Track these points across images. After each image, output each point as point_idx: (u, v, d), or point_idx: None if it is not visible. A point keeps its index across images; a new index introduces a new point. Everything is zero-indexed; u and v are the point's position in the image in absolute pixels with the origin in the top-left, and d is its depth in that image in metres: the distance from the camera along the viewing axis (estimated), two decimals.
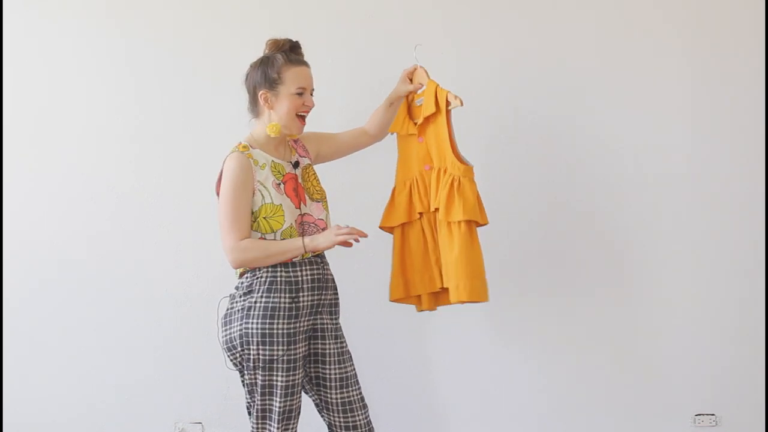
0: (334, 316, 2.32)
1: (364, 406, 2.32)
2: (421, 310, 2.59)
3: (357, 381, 2.32)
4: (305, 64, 2.28)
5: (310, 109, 2.28)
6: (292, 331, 2.19)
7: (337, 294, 2.35)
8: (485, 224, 2.45)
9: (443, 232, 2.41)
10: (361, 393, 2.32)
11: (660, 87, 2.93)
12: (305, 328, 2.24)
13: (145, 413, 2.93)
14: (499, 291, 2.93)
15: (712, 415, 2.95)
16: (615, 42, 2.94)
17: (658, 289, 2.94)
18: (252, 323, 2.18)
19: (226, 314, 2.24)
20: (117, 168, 2.94)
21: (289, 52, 2.26)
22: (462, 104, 2.37)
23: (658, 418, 2.95)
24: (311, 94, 2.28)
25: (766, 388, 2.94)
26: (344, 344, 2.33)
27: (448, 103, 2.42)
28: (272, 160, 2.24)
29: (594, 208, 2.94)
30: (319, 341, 2.29)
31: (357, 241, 2.18)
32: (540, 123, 2.93)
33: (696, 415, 2.95)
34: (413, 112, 2.54)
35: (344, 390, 2.28)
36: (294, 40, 2.28)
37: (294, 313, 2.19)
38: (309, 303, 2.23)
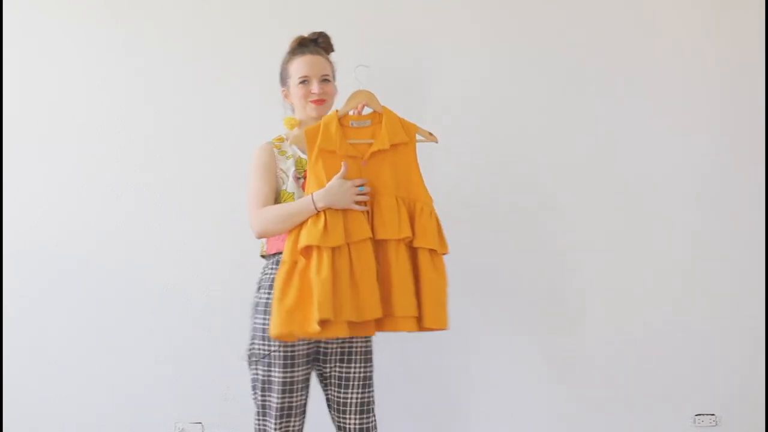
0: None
1: (362, 411, 2.31)
2: (326, 336, 2.20)
3: (360, 384, 2.32)
4: (310, 53, 2.37)
5: (320, 95, 2.36)
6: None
7: None
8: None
9: (426, 261, 2.26)
10: (360, 398, 2.32)
11: (660, 87, 2.94)
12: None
13: (145, 413, 2.93)
14: (496, 290, 2.94)
15: (712, 415, 2.95)
16: (615, 42, 2.94)
17: (657, 288, 2.94)
18: (256, 319, 2.27)
19: None
20: (118, 169, 2.94)
21: (296, 47, 2.39)
22: (437, 141, 2.37)
23: (658, 418, 2.95)
24: (322, 81, 2.37)
25: (766, 388, 2.95)
26: (353, 346, 2.33)
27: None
28: (299, 156, 2.37)
29: (593, 207, 2.94)
30: (322, 342, 2.31)
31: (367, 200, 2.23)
32: (537, 124, 2.94)
33: (696, 415, 2.96)
34: (346, 132, 2.32)
35: (343, 390, 2.32)
36: (316, 32, 2.41)
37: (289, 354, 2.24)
38: None
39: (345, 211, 2.22)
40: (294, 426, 2.26)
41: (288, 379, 2.23)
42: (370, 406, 2.33)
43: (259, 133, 2.90)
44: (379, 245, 2.24)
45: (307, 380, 2.28)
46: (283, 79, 2.42)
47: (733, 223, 2.94)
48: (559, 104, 2.94)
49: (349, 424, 2.31)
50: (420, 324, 2.22)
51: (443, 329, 2.22)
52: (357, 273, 2.19)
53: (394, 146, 2.31)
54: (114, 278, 2.93)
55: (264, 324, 2.23)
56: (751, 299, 2.95)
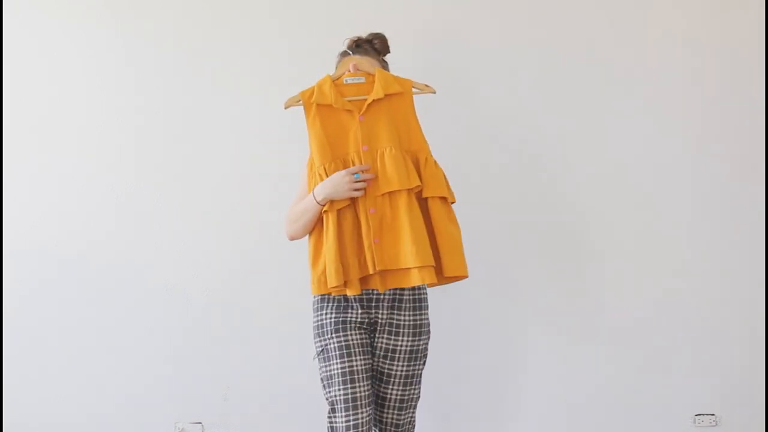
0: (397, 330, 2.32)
1: (399, 407, 2.34)
2: (341, 294, 2.33)
3: (399, 381, 2.33)
4: (359, 53, 2.38)
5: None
6: (341, 318, 2.29)
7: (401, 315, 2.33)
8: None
9: (439, 210, 2.28)
10: (399, 394, 2.34)
11: (660, 87, 2.93)
12: (358, 318, 2.30)
13: (145, 413, 2.93)
14: (496, 291, 2.93)
15: (712, 415, 2.95)
16: (615, 42, 2.94)
17: (657, 288, 2.94)
18: (313, 317, 2.36)
19: None
20: (118, 168, 2.94)
21: (349, 48, 2.41)
22: (434, 91, 2.36)
23: (658, 418, 2.95)
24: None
25: (766, 388, 2.95)
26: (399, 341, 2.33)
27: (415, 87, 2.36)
28: None
29: (594, 207, 2.94)
30: (372, 311, 2.33)
31: (369, 182, 2.24)
32: (537, 123, 2.93)
33: (696, 415, 2.95)
34: (343, 90, 2.34)
35: (380, 385, 2.34)
36: (372, 33, 2.43)
37: (343, 304, 2.31)
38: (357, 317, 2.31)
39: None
40: (362, 417, 2.22)
41: (347, 369, 2.23)
42: (411, 403, 2.36)
43: (260, 134, 2.91)
44: (388, 199, 2.25)
45: (364, 345, 2.30)
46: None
47: (733, 223, 2.94)
48: (559, 104, 2.94)
49: (391, 393, 2.33)
50: (440, 275, 2.25)
51: (464, 277, 2.25)
52: (364, 230, 2.24)
53: (389, 97, 2.30)
54: (114, 278, 2.93)
55: (317, 320, 2.32)
56: (751, 299, 2.95)
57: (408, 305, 2.33)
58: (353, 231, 2.26)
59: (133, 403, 2.93)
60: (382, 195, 2.25)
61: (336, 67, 2.38)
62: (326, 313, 2.30)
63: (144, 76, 2.94)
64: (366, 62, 2.35)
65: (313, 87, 2.33)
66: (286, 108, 2.31)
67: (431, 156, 2.30)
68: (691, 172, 2.95)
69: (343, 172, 2.23)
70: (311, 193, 2.27)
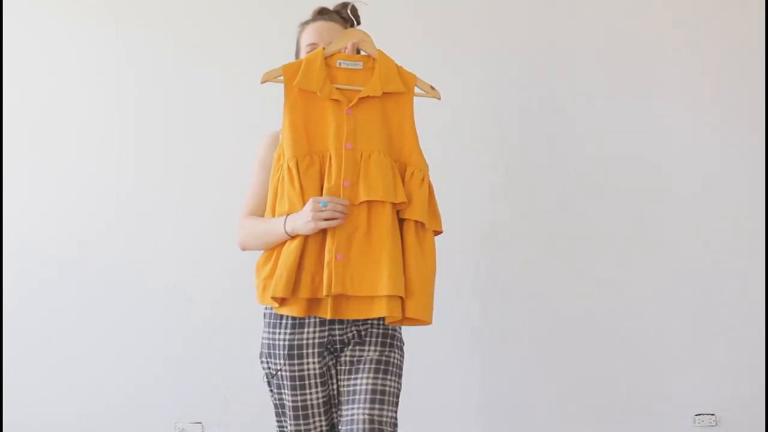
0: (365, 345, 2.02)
1: (373, 400, 1.93)
2: (282, 313, 1.97)
3: (372, 369, 1.97)
4: (320, 19, 2.12)
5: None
6: (296, 341, 1.99)
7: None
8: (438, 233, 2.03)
9: (411, 236, 1.94)
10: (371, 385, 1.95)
11: (661, 86, 2.94)
12: (317, 341, 1.99)
13: (145, 413, 2.93)
14: (496, 290, 2.93)
15: (712, 414, 2.95)
16: (616, 41, 2.94)
17: (657, 288, 2.94)
18: (263, 332, 2.06)
19: None
20: (117, 168, 2.94)
21: (312, 16, 2.16)
22: (439, 97, 2.06)
23: (658, 418, 2.95)
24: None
25: (766, 388, 2.95)
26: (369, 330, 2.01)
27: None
28: None
29: (594, 207, 2.94)
30: (336, 332, 2.02)
31: (340, 218, 1.88)
32: (537, 122, 2.93)
33: (696, 415, 2.95)
34: (332, 74, 2.00)
35: (353, 375, 2.00)
36: (341, 3, 2.14)
37: (298, 321, 1.99)
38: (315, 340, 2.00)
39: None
40: (316, 425, 2.01)
41: (301, 404, 1.98)
42: (385, 397, 1.94)
43: (260, 133, 2.90)
44: (366, 209, 1.92)
45: (323, 374, 2.00)
46: (296, 54, 2.17)
47: (733, 222, 2.94)
48: (559, 104, 2.94)
49: (357, 414, 1.91)
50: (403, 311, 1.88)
51: (426, 323, 1.90)
52: (328, 242, 1.89)
53: (387, 95, 1.99)
54: (114, 278, 2.93)
55: (268, 339, 2.03)
56: (751, 299, 2.95)
57: (375, 340, 2.00)
58: (317, 242, 1.91)
59: (133, 403, 2.93)
60: (359, 204, 1.91)
61: (297, 41, 2.12)
62: (279, 332, 1.99)
63: (144, 76, 2.94)
64: (369, 40, 2.02)
65: (300, 62, 1.99)
66: (262, 83, 2.01)
67: (420, 171, 1.98)
68: (691, 172, 2.95)
69: (310, 202, 1.88)
70: (282, 219, 1.93)
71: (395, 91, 1.99)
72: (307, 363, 1.97)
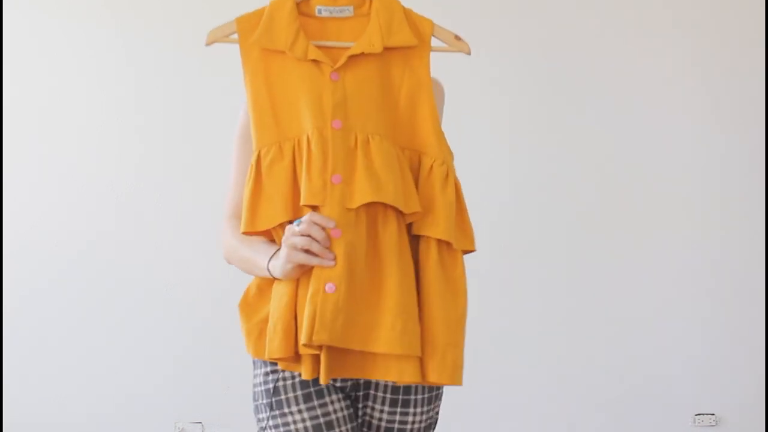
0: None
1: None
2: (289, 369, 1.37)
3: None
4: None
5: None
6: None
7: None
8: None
9: (433, 264, 1.33)
10: None
11: (660, 87, 2.94)
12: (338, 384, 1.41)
13: (145, 413, 2.93)
14: (495, 290, 2.93)
15: (712, 414, 2.95)
16: (616, 41, 2.94)
17: (658, 288, 2.94)
18: (255, 375, 1.53)
19: None
20: (118, 168, 2.94)
21: None
22: (468, 51, 1.46)
23: (658, 418, 2.95)
24: None
25: (766, 388, 2.95)
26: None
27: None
28: None
29: (595, 206, 2.94)
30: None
31: (320, 252, 1.27)
32: (537, 122, 2.93)
33: (696, 414, 2.95)
34: (310, 27, 1.39)
35: None
36: None
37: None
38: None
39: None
40: None
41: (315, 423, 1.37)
42: None
43: None
44: (365, 215, 1.31)
45: (350, 419, 1.40)
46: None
47: (733, 222, 2.94)
48: (558, 104, 2.94)
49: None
50: (423, 373, 1.31)
51: (454, 384, 1.33)
52: (315, 267, 1.30)
53: (390, 52, 1.38)
54: (114, 278, 2.92)
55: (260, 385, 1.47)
56: (751, 299, 2.95)
57: (420, 397, 1.45)
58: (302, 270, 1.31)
59: (133, 403, 2.93)
60: (358, 209, 1.30)
61: None
62: (284, 370, 1.39)
63: (144, 76, 2.94)
64: None
65: (261, 11, 1.40)
66: (208, 45, 1.55)
67: (444, 165, 1.36)
68: (691, 172, 2.95)
69: (299, 239, 1.28)
70: (267, 252, 1.36)
71: (402, 45, 1.38)
72: (330, 405, 1.38)
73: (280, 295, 1.33)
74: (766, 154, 2.93)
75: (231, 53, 2.96)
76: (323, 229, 1.27)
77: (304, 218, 1.27)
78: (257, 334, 1.40)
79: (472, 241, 1.39)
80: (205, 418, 2.95)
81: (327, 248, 1.26)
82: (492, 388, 2.96)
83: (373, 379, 1.34)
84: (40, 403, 2.93)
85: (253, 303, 1.43)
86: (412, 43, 1.38)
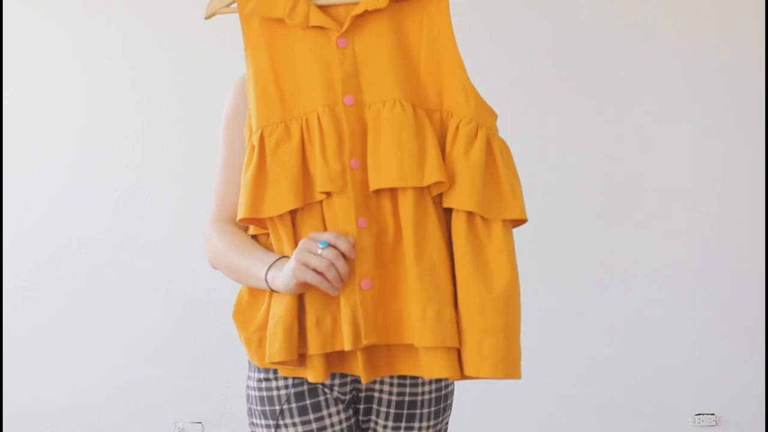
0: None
1: None
2: (291, 374, 1.30)
3: None
4: None
5: None
6: (306, 387, 1.33)
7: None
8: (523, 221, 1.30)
9: (463, 242, 1.20)
10: None
11: (659, 87, 2.94)
12: (335, 393, 1.34)
13: (145, 413, 2.93)
14: None
15: (712, 414, 2.95)
16: (616, 41, 2.94)
17: (658, 288, 2.94)
18: (249, 382, 1.45)
19: None
20: (117, 168, 2.94)
21: None
22: None
23: (658, 417, 2.95)
24: None
25: (766, 388, 2.95)
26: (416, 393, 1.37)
27: None
28: None
29: (594, 206, 2.94)
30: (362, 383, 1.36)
31: (334, 280, 1.17)
32: (537, 122, 2.94)
33: (696, 414, 2.95)
34: None
35: None
36: None
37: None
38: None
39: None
40: None
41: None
42: None
43: None
44: (390, 200, 1.21)
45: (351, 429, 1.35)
46: None
47: (733, 222, 2.94)
48: (558, 104, 2.94)
49: None
50: (461, 366, 1.20)
51: (504, 377, 1.21)
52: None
53: (401, 3, 1.25)
54: (114, 278, 2.92)
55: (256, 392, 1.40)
56: (751, 299, 2.95)
57: (426, 411, 1.37)
58: None
59: (133, 403, 2.93)
60: (377, 193, 1.21)
61: None
62: (278, 378, 1.34)
63: (144, 76, 2.94)
64: None
65: None
66: (207, 18, 1.47)
67: (471, 123, 1.22)
68: (692, 172, 2.95)
69: (302, 240, 1.20)
70: (265, 261, 1.25)
71: None
72: (329, 416, 1.32)
73: (281, 294, 1.24)
74: (767, 155, 2.94)
75: (231, 53, 2.97)
76: (345, 257, 1.17)
77: (329, 238, 1.16)
78: (257, 343, 1.32)
79: (515, 208, 1.23)
80: (205, 418, 2.95)
81: (332, 280, 1.17)
82: (491, 389, 2.96)
83: (406, 374, 1.24)
84: (40, 403, 2.94)
85: (246, 310, 1.34)
86: None
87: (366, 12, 1.22)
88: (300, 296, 1.22)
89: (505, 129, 3.10)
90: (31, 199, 2.94)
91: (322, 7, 1.23)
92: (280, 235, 1.25)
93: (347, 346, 1.18)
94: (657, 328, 2.94)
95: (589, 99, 2.94)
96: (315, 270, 1.16)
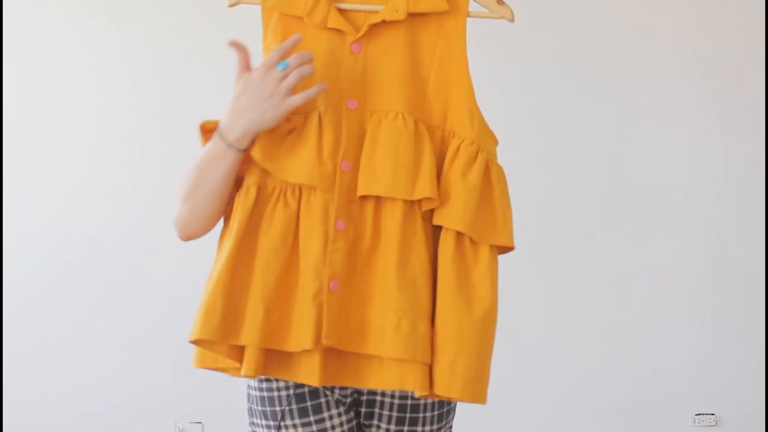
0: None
1: None
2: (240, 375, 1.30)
3: None
4: None
5: None
6: (307, 389, 1.32)
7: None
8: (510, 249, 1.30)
9: (448, 262, 1.20)
10: None
11: (659, 87, 2.94)
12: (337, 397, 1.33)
13: (145, 413, 2.93)
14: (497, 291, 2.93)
15: (712, 414, 2.95)
16: (617, 42, 2.94)
17: (658, 289, 2.94)
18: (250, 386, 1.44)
19: None
20: (117, 168, 2.94)
21: None
22: (513, 18, 1.34)
23: (658, 417, 2.95)
24: None
25: (766, 388, 2.95)
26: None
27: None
28: None
29: (594, 207, 2.94)
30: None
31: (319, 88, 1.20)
32: (537, 122, 2.94)
33: (696, 414, 2.95)
34: None
35: None
36: None
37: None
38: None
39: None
40: None
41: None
42: None
43: None
44: (373, 208, 1.22)
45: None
46: None
47: (733, 223, 2.94)
48: (558, 105, 2.94)
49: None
50: (431, 384, 1.20)
51: (471, 401, 1.26)
52: (303, 252, 1.19)
53: (416, 19, 1.25)
54: (114, 278, 2.92)
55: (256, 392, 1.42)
56: (751, 299, 2.95)
57: (429, 414, 1.37)
58: (278, 255, 1.20)
59: (133, 403, 2.93)
60: (363, 199, 1.22)
61: None
62: (279, 379, 1.31)
63: (144, 76, 2.94)
64: None
65: None
66: (231, 6, 1.40)
67: (472, 146, 1.24)
68: (692, 173, 2.95)
69: (259, 68, 1.21)
70: (217, 129, 1.23)
71: (431, 11, 1.24)
72: (330, 417, 1.31)
73: (213, 273, 1.27)
74: (767, 155, 2.94)
75: (231, 53, 2.96)
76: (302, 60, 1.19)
77: (283, 63, 1.19)
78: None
79: (505, 235, 1.23)
80: (205, 418, 2.95)
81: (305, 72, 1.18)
82: (492, 389, 2.95)
83: (369, 387, 1.22)
84: (40, 403, 2.93)
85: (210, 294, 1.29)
86: (442, 8, 1.24)
87: (384, 22, 1.23)
88: (243, 282, 1.20)
89: (505, 130, 3.09)
90: (31, 199, 2.94)
91: (342, 11, 1.26)
92: (237, 208, 1.24)
93: (306, 344, 1.16)
94: (657, 329, 2.94)
95: (588, 99, 2.94)
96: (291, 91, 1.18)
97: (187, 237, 1.40)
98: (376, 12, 1.24)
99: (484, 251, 1.22)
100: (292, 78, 1.18)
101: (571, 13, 2.94)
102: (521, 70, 2.93)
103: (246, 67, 1.22)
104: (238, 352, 1.22)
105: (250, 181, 1.23)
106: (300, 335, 1.17)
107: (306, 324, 1.17)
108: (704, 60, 2.93)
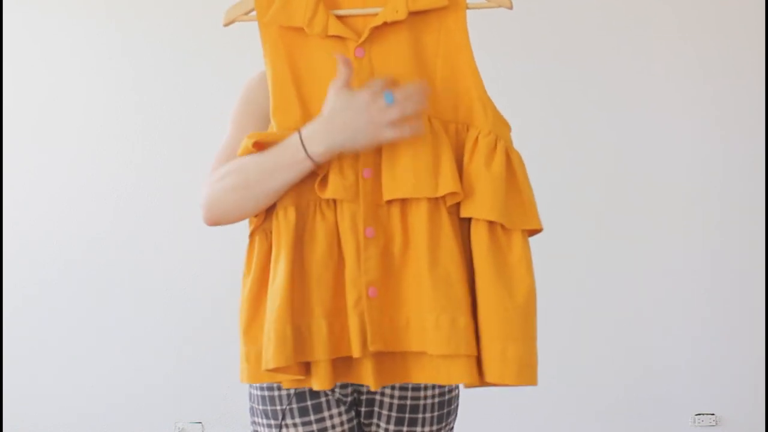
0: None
1: None
2: (300, 387, 1.27)
3: None
4: None
5: None
6: (308, 389, 1.34)
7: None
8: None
9: (483, 251, 1.21)
10: None
11: (659, 88, 2.94)
12: (336, 395, 1.36)
13: (145, 413, 2.93)
14: None
15: (712, 414, 2.95)
16: (617, 41, 2.94)
17: (658, 288, 2.94)
18: (252, 392, 1.48)
19: None
20: (117, 168, 2.94)
21: None
22: (511, 6, 1.32)
23: (658, 418, 2.95)
24: None
25: (766, 388, 2.95)
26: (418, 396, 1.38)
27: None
28: None
29: (594, 206, 2.94)
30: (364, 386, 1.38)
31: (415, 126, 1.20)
32: (538, 122, 2.94)
33: (696, 414, 2.95)
34: None
35: None
36: None
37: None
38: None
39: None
40: None
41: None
42: None
43: None
44: (400, 211, 1.23)
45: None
46: None
47: (733, 222, 2.94)
48: (558, 104, 2.94)
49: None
50: (481, 373, 1.21)
51: (525, 384, 1.21)
52: (350, 269, 1.21)
53: (417, 17, 1.25)
54: (114, 278, 2.92)
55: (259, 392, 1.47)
56: (751, 299, 2.95)
57: (429, 415, 1.37)
58: (327, 267, 1.22)
59: (133, 403, 2.93)
60: (389, 203, 1.22)
61: None
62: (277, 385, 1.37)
63: (144, 76, 2.94)
64: None
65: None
66: (226, 25, 1.38)
67: (490, 135, 1.25)
68: (692, 172, 2.95)
69: (365, 92, 1.19)
70: (295, 136, 1.20)
71: (430, 7, 1.23)
72: (330, 418, 1.34)
73: (273, 296, 1.24)
74: (767, 155, 2.94)
75: (231, 53, 2.97)
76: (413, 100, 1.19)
77: (388, 93, 1.17)
78: (254, 358, 1.33)
79: (534, 219, 1.24)
80: (205, 418, 2.95)
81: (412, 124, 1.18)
82: (492, 388, 2.95)
83: (420, 382, 1.24)
84: (40, 403, 2.93)
85: (246, 322, 1.36)
86: (441, 3, 1.23)
87: (385, 23, 1.23)
88: (302, 300, 1.21)
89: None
90: (31, 199, 2.94)
91: (341, 17, 1.25)
92: (280, 231, 1.24)
93: (355, 353, 1.19)
94: (657, 328, 2.94)
95: (589, 99, 2.94)
96: (391, 123, 1.17)
97: (215, 222, 1.36)
98: (376, 15, 1.23)
99: (517, 237, 1.22)
100: (395, 113, 1.17)
101: (572, 12, 2.94)
102: (522, 69, 2.93)
103: (348, 82, 1.20)
104: (303, 366, 1.23)
105: (287, 203, 1.23)
106: (351, 343, 1.21)
107: (352, 333, 1.19)
108: (705, 60, 2.93)
